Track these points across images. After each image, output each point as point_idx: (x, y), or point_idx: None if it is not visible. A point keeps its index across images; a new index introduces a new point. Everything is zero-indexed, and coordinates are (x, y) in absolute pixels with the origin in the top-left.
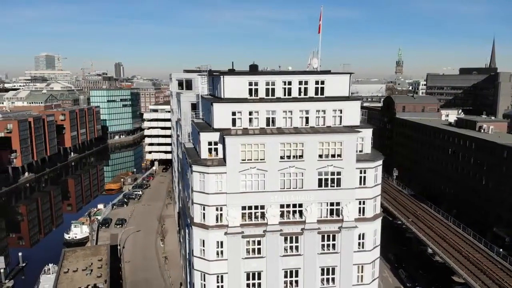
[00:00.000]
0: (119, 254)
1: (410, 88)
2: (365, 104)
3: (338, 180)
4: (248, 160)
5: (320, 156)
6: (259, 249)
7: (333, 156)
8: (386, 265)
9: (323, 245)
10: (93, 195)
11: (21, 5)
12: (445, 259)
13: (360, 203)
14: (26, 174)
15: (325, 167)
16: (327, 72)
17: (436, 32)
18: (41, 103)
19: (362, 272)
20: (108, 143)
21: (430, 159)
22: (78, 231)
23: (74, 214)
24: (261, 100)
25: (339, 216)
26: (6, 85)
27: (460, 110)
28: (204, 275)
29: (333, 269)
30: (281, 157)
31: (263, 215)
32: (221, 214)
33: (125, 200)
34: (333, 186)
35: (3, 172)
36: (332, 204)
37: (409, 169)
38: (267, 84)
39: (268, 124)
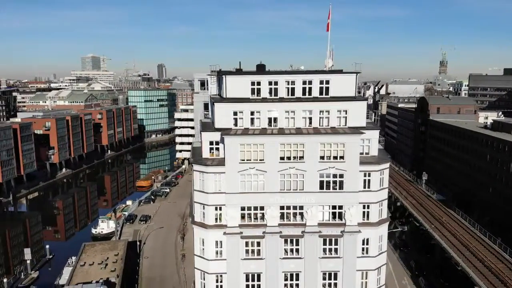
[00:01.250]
0: (139, 249)
1: (451, 89)
2: (399, 105)
3: (341, 182)
4: (247, 160)
5: (322, 157)
6: (258, 251)
7: (335, 158)
8: (407, 273)
9: (324, 249)
10: (128, 192)
11: (70, 7)
12: (464, 268)
13: (364, 207)
14: (64, 170)
15: (327, 169)
16: (332, 71)
17: (482, 31)
18: (81, 102)
19: (366, 278)
20: (144, 142)
21: (463, 163)
22: (104, 226)
23: (108, 209)
24: (263, 100)
25: (341, 220)
26: (53, 85)
27: (500, 112)
28: (204, 274)
29: (336, 274)
30: (281, 158)
31: (262, 216)
32: (220, 214)
33: (152, 197)
34: (335, 189)
35: (42, 168)
36: (334, 207)
37: (441, 173)
38: (270, 83)
39: (270, 125)
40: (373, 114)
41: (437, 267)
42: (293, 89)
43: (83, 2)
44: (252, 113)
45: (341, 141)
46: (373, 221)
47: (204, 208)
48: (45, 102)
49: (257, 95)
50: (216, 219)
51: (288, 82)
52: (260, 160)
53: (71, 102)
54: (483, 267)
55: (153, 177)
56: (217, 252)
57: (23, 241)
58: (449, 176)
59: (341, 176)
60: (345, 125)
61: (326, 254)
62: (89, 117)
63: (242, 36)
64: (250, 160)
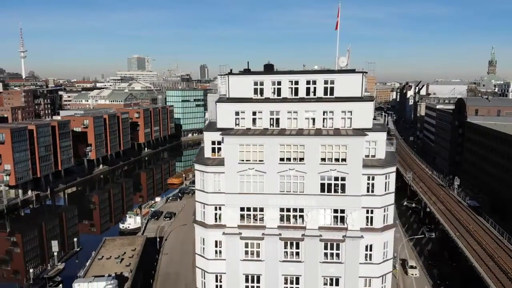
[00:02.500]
0: (160, 246)
1: (496, 90)
2: (437, 106)
3: (343, 186)
4: (246, 160)
5: (323, 159)
6: (258, 252)
7: (336, 160)
8: (428, 281)
9: (326, 254)
10: (164, 188)
11: (118, 10)
12: (484, 278)
13: (367, 212)
14: (101, 166)
15: (328, 171)
16: (337, 71)
17: None
18: (121, 101)
19: (369, 286)
20: (181, 140)
21: (500, 169)
22: (132, 222)
23: (141, 205)
24: (266, 100)
25: (343, 224)
26: (98, 84)
27: None
28: (204, 273)
29: (337, 280)
30: (281, 159)
31: (262, 218)
32: (220, 214)
33: (180, 194)
34: (337, 192)
35: (79, 163)
36: (336, 211)
37: (478, 178)
38: (273, 84)
39: (272, 125)
40: (385, 115)
41: (462, 277)
42: (296, 89)
43: (132, 5)
44: (254, 113)
45: (343, 143)
46: (377, 227)
47: (204, 208)
48: (87, 101)
49: (260, 95)
50: (216, 219)
51: (292, 82)
52: (259, 160)
53: (111, 101)
54: (505, 279)
55: (183, 175)
56: (216, 252)
57: (58, 233)
58: (486, 181)
59: (343, 179)
60: (350, 126)
61: (327, 259)
62: (126, 116)
63: (283, 36)
64: (250, 160)
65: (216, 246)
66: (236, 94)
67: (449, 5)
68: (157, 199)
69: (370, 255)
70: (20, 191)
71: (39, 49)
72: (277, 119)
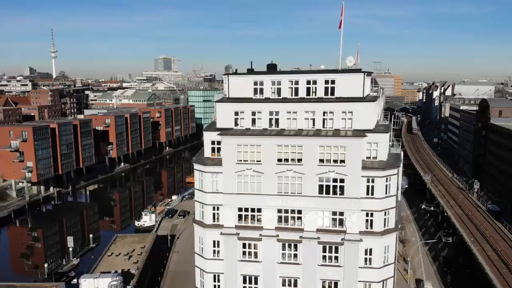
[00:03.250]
0: (171, 244)
1: None
2: (461, 107)
3: (341, 187)
4: (244, 161)
5: (321, 160)
6: (255, 253)
7: (335, 161)
8: (440, 287)
9: (324, 257)
10: (184, 187)
11: (145, 11)
12: (496, 286)
13: (367, 214)
14: (122, 164)
15: (326, 173)
16: (338, 71)
17: None
18: (144, 101)
19: None
20: (202, 140)
21: None
22: (147, 219)
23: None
24: (265, 100)
25: (342, 227)
26: (124, 84)
27: None
28: (202, 272)
29: (336, 284)
30: (279, 160)
31: (260, 219)
32: (218, 214)
33: None
34: (336, 194)
35: (101, 161)
36: (334, 213)
37: (499, 182)
38: (273, 83)
39: (271, 125)
40: (388, 115)
41: (476, 284)
42: (296, 89)
43: (159, 6)
44: (253, 113)
45: (341, 144)
46: (377, 230)
47: (202, 207)
48: (111, 100)
49: (260, 95)
50: (214, 218)
51: (292, 82)
52: (257, 161)
53: (134, 101)
54: None
55: None
56: (214, 252)
57: (79, 229)
58: (509, 185)
59: (342, 181)
60: (351, 127)
61: (325, 261)
62: (147, 115)
63: (309, 35)
64: (247, 161)
65: (214, 246)
66: (236, 94)
67: (482, 3)
68: (174, 197)
69: (370, 259)
70: (42, 187)
71: (70, 49)
72: (277, 120)
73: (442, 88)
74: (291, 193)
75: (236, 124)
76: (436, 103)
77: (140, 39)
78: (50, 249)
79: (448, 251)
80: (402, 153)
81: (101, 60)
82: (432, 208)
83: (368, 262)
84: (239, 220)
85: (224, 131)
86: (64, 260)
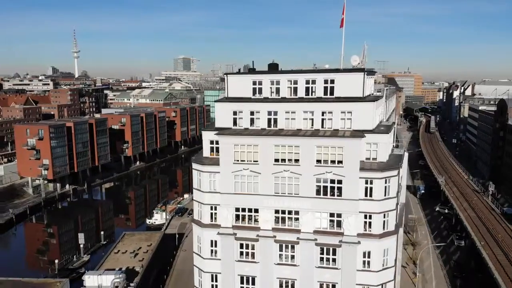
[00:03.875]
0: (179, 242)
1: None
2: (480, 108)
3: (339, 189)
4: (241, 161)
5: (318, 161)
6: (253, 254)
7: (333, 162)
8: None
9: (321, 258)
10: None
11: (167, 12)
12: None
13: (365, 217)
14: (137, 163)
15: (324, 173)
16: (337, 70)
17: None
18: (161, 100)
19: None
20: None
21: None
22: (158, 217)
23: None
24: (263, 100)
25: (340, 228)
26: (144, 84)
27: None
28: (200, 271)
29: (333, 286)
30: (276, 160)
31: (257, 219)
32: (215, 213)
33: None
34: (333, 195)
35: (117, 160)
36: (332, 214)
37: None
38: (272, 83)
39: (269, 125)
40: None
41: None
42: (295, 88)
43: (179, 7)
44: (252, 113)
45: (339, 145)
46: (375, 233)
47: (200, 207)
48: (129, 99)
49: (259, 95)
50: (212, 218)
51: (291, 81)
52: (254, 161)
53: (151, 100)
54: None
55: None
56: (212, 251)
57: (94, 226)
58: None
59: (339, 182)
60: (350, 127)
61: (323, 263)
62: (163, 115)
63: (331, 34)
64: (245, 161)
65: (211, 246)
66: (236, 94)
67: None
68: (186, 196)
69: (369, 262)
70: (58, 185)
71: (94, 50)
72: (275, 119)
73: (462, 87)
74: (288, 193)
75: (235, 124)
76: (456, 103)
77: (162, 40)
78: (63, 245)
79: (460, 255)
80: (406, 154)
81: (124, 60)
82: (446, 211)
83: (366, 265)
84: (236, 220)
85: (222, 131)
86: (75, 256)
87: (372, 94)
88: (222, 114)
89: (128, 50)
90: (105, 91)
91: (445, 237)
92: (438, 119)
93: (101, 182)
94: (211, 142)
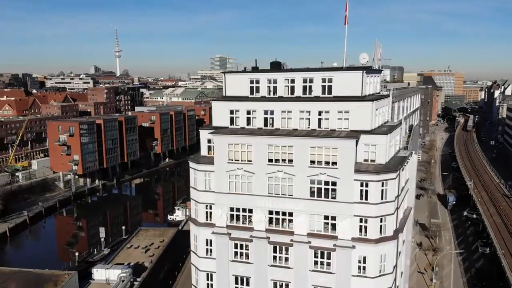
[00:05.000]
0: None
1: None
2: None
3: (333, 191)
4: (235, 160)
5: (312, 162)
6: (247, 254)
7: (327, 163)
8: None
9: (316, 262)
10: None
11: (206, 12)
12: None
13: (361, 220)
14: (167, 159)
15: (317, 175)
16: (335, 68)
17: None
18: (192, 99)
19: None
20: None
21: None
22: (179, 213)
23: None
24: (260, 99)
25: (335, 232)
26: (180, 83)
27: None
28: (196, 270)
29: None
30: (269, 160)
31: (251, 219)
32: (210, 213)
33: None
34: (327, 197)
35: (147, 156)
36: (326, 217)
37: None
38: (269, 82)
39: (266, 125)
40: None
41: None
42: (293, 87)
43: (217, 7)
44: (248, 112)
45: (333, 145)
46: (371, 238)
47: (196, 205)
48: (162, 98)
49: (256, 94)
50: (207, 217)
51: (288, 80)
52: (248, 161)
53: (183, 99)
54: None
55: None
56: (207, 250)
57: (122, 220)
58: None
59: (334, 183)
60: (348, 128)
61: (317, 267)
62: (192, 113)
63: (372, 32)
64: (239, 160)
65: (207, 245)
66: (233, 92)
67: None
68: None
69: (364, 267)
70: (88, 179)
71: (135, 49)
72: (271, 119)
73: (502, 87)
74: (282, 194)
75: (231, 123)
76: (497, 103)
77: (200, 39)
78: (88, 238)
79: (483, 263)
80: (415, 156)
81: (164, 59)
82: (474, 216)
83: (362, 270)
84: (231, 220)
85: (217, 130)
86: (95, 250)
87: (378, 93)
88: (219, 113)
89: (168, 50)
90: (142, 90)
91: (470, 243)
92: (476, 119)
93: (130, 178)
94: (209, 141)
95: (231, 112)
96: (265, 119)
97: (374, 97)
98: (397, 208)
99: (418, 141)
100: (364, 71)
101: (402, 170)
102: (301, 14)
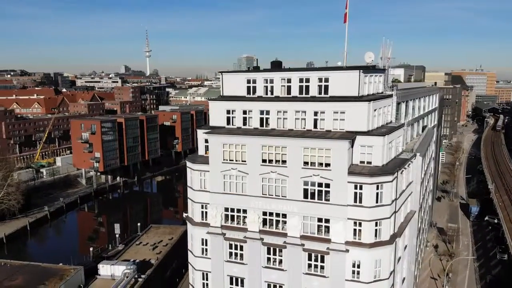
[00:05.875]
0: None
1: None
2: None
3: (327, 193)
4: (230, 160)
5: (306, 163)
6: (241, 255)
7: (320, 164)
8: None
9: (310, 265)
10: None
11: (235, 11)
12: None
13: (355, 224)
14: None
15: (311, 176)
16: (332, 68)
17: None
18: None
19: None
20: None
21: None
22: None
23: None
24: (256, 98)
25: (328, 235)
26: (206, 83)
27: None
28: (192, 269)
29: None
30: (263, 161)
31: (245, 220)
32: (206, 212)
33: None
34: (321, 199)
35: (168, 155)
36: (320, 220)
37: None
38: (265, 81)
39: (262, 125)
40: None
41: None
42: (289, 87)
43: (248, 5)
44: (244, 112)
45: (326, 147)
46: (365, 242)
47: (192, 205)
48: (186, 97)
49: (253, 94)
50: (202, 216)
51: (284, 80)
52: (242, 161)
53: (206, 98)
54: None
55: None
56: (203, 250)
57: (141, 216)
58: None
59: (327, 185)
60: (343, 128)
61: (311, 270)
62: None
63: (403, 29)
64: (233, 160)
65: (202, 244)
66: (230, 92)
67: None
68: None
69: (358, 272)
70: (109, 176)
71: (164, 49)
72: (267, 119)
73: None
74: (276, 195)
75: (228, 123)
76: None
77: (228, 39)
78: (104, 234)
79: (500, 269)
80: (420, 159)
81: (192, 59)
82: (495, 221)
83: (356, 275)
84: (225, 220)
85: (211, 130)
86: (110, 245)
87: (381, 93)
88: (216, 113)
89: (196, 50)
90: (168, 89)
91: (489, 249)
92: (507, 120)
93: (151, 176)
94: (206, 141)
95: (228, 112)
96: (261, 119)
97: (372, 97)
98: (395, 212)
99: (432, 142)
100: (361, 70)
101: (402, 173)
102: (329, 12)
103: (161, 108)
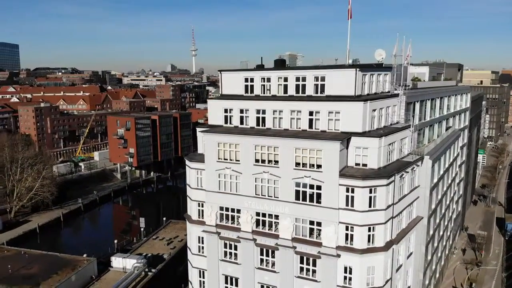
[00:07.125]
0: None
1: None
2: None
3: (318, 195)
4: (224, 159)
5: (298, 164)
6: (235, 254)
7: (312, 166)
8: None
9: (302, 268)
10: None
11: (279, 9)
12: None
13: (347, 228)
14: None
15: (302, 177)
16: (328, 66)
17: None
18: None
19: None
20: None
21: None
22: None
23: None
24: (253, 97)
25: (320, 238)
26: None
27: None
28: (190, 266)
29: None
30: (256, 161)
31: (239, 220)
32: (202, 210)
33: None
34: (312, 202)
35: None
36: (312, 222)
37: None
38: (263, 80)
39: (258, 124)
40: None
41: None
42: (286, 86)
43: (290, 3)
44: (241, 111)
45: (318, 147)
46: (357, 247)
47: (190, 202)
48: None
49: (251, 93)
50: (199, 214)
51: (281, 78)
52: (236, 160)
53: None
54: None
55: None
56: (199, 248)
57: (174, 211)
58: None
59: (319, 187)
60: (338, 129)
61: (303, 274)
62: None
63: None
64: (227, 159)
65: (199, 242)
66: (229, 91)
67: None
68: None
69: (350, 278)
70: (143, 171)
71: (210, 48)
72: (263, 118)
73: None
74: (268, 196)
75: (226, 122)
76: None
77: (273, 36)
78: (134, 227)
79: None
80: (430, 162)
81: (236, 58)
82: None
83: (348, 281)
84: (220, 219)
85: (207, 129)
86: (135, 238)
87: (387, 92)
88: (214, 112)
89: (239, 48)
90: (208, 87)
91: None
92: None
93: (184, 171)
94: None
95: (226, 110)
96: (257, 119)
97: (369, 97)
98: (392, 218)
99: (456, 144)
100: (358, 69)
101: (402, 177)
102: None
103: (198, 106)
